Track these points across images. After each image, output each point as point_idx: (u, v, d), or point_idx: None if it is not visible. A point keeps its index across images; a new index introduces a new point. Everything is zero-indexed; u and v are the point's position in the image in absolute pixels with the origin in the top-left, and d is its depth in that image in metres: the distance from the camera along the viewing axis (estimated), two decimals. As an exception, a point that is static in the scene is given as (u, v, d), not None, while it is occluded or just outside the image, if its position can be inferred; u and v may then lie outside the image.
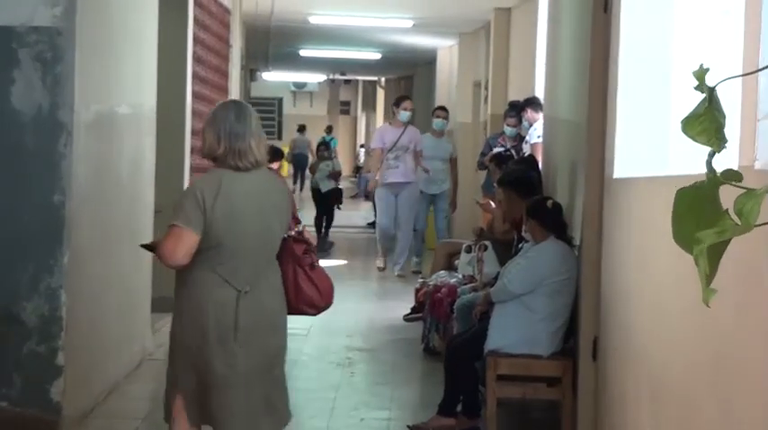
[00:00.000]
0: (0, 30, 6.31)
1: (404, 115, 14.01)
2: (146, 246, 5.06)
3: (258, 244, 4.76)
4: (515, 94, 13.20)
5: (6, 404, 6.34)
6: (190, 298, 4.71)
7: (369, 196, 16.94)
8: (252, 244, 4.73)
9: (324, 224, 18.71)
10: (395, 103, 14.54)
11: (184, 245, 4.63)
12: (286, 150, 27.82)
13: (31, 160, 6.36)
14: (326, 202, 18.76)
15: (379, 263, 15.05)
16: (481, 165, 12.06)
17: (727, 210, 1.62)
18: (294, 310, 4.98)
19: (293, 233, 4.98)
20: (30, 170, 6.35)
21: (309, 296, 4.98)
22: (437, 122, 14.45)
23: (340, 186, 19.66)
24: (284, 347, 5.00)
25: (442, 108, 15.04)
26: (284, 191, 5.05)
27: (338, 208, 19.19)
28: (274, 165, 18.21)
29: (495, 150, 11.25)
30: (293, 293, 4.94)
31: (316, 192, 19.06)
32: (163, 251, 4.67)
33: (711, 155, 1.65)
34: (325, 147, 20.58)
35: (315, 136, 37.11)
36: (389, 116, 30.67)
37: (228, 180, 4.70)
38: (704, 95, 1.63)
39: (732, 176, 1.64)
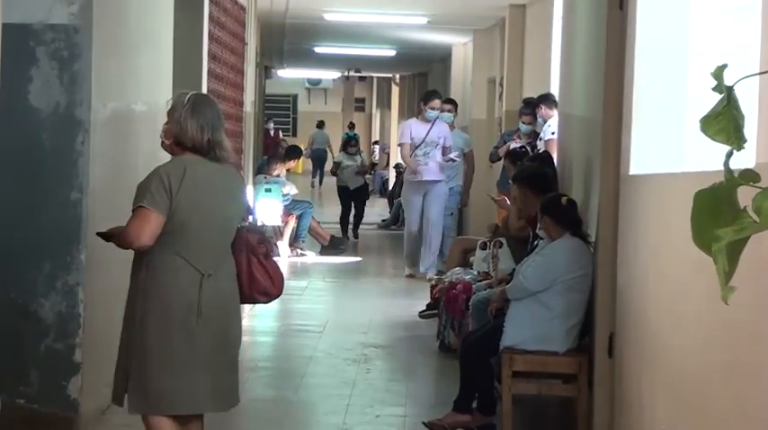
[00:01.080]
0: (17, 27, 6.33)
1: (431, 114, 13.35)
2: (102, 235, 5.10)
3: (217, 231, 4.91)
4: (530, 91, 13.18)
5: (24, 401, 6.36)
6: (154, 281, 4.82)
7: (391, 197, 16.34)
8: (212, 230, 4.88)
9: (352, 222, 18.48)
10: (422, 98, 13.93)
11: (150, 226, 4.75)
12: (303, 147, 27.83)
13: (49, 158, 6.38)
14: (356, 200, 18.48)
15: (408, 270, 13.96)
16: (494, 156, 12.07)
17: (745, 207, 1.62)
18: (247, 299, 5.12)
19: (247, 223, 5.14)
20: (47, 168, 6.37)
21: (263, 285, 5.09)
22: (444, 116, 13.70)
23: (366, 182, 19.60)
24: (240, 333, 5.16)
25: (450, 101, 14.55)
26: (241, 182, 5.20)
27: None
28: (291, 164, 18.22)
29: (511, 146, 11.24)
30: (247, 282, 5.05)
31: (343, 189, 18.74)
32: (128, 232, 4.78)
33: (729, 155, 1.64)
34: (354, 142, 20.40)
35: (330, 133, 37.21)
36: (403, 113, 30.75)
37: (192, 167, 4.84)
38: (722, 94, 1.62)
39: (750, 177, 1.64)
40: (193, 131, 4.86)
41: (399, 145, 13.96)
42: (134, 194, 4.86)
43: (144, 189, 4.80)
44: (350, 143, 19.99)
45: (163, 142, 5.00)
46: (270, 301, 5.35)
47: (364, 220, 18.99)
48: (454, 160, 13.55)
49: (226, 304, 4.95)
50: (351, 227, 18.48)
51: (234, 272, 5.00)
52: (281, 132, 32.72)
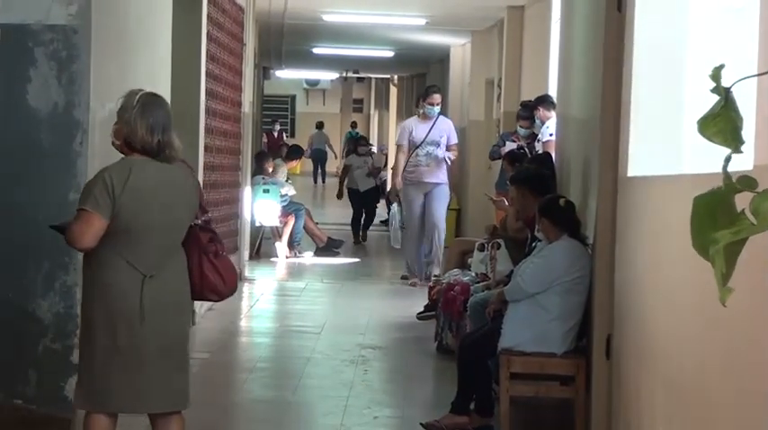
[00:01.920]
0: (16, 28, 6.33)
1: (431, 110, 12.78)
2: (55, 227, 5.12)
3: (165, 231, 4.93)
4: (528, 92, 13.19)
5: (21, 401, 6.36)
6: (97, 280, 4.87)
7: (389, 198, 15.49)
8: (159, 230, 4.90)
9: (362, 224, 18.24)
10: (421, 94, 13.26)
11: (92, 229, 4.79)
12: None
13: (47, 158, 6.38)
14: (366, 202, 18.10)
15: (413, 278, 13.20)
16: (495, 154, 12.06)
17: (743, 210, 1.63)
18: (199, 296, 5.16)
19: (199, 222, 5.11)
20: (45, 168, 6.37)
21: (214, 283, 5.11)
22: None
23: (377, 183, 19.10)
24: (187, 331, 5.17)
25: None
26: (192, 180, 5.19)
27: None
28: (293, 164, 18.14)
29: (509, 146, 11.25)
30: (198, 280, 5.08)
31: (353, 192, 18.40)
32: (71, 234, 4.84)
33: (727, 160, 1.65)
34: (365, 142, 19.92)
35: (328, 134, 37.29)
36: (401, 114, 30.73)
37: (138, 168, 4.86)
38: (720, 96, 1.63)
39: (747, 184, 1.65)
40: (143, 133, 4.87)
41: (397, 146, 13.35)
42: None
43: (88, 191, 4.85)
44: (359, 143, 19.56)
45: (113, 142, 5.01)
46: (221, 300, 5.37)
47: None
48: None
49: (172, 304, 4.97)
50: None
51: (184, 270, 5.03)
52: (284, 134, 32.36)
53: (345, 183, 18.80)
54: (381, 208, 20.37)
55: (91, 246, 4.83)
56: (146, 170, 4.88)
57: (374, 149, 33.80)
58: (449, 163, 12.94)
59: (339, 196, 19.16)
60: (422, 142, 12.68)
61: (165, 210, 4.92)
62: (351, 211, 18.95)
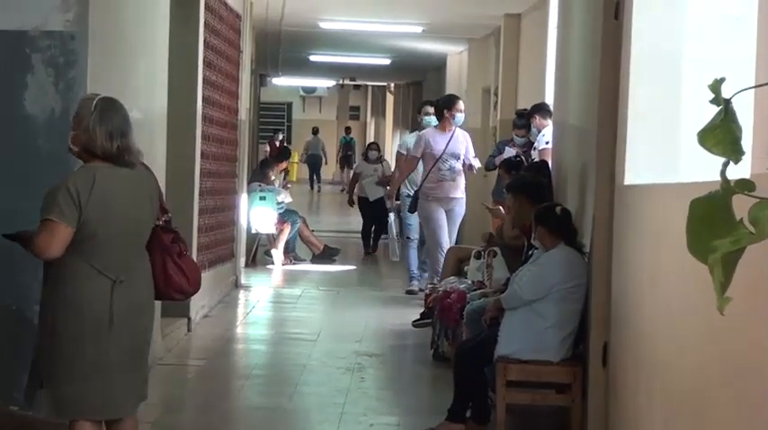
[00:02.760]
0: (13, 34, 6.34)
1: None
2: (9, 236, 5.08)
3: (131, 234, 4.94)
4: (525, 100, 13.21)
5: (17, 408, 6.35)
6: (64, 289, 4.84)
7: (394, 208, 14.05)
8: (124, 234, 4.90)
9: (372, 235, 17.64)
10: (444, 105, 12.25)
11: (59, 238, 4.76)
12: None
13: (44, 165, 6.38)
14: (377, 211, 16.76)
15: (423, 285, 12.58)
16: (491, 165, 12.07)
17: (741, 219, 1.63)
18: (163, 296, 5.16)
19: (161, 223, 5.12)
20: (42, 174, 6.36)
21: (178, 283, 5.13)
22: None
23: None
24: (151, 332, 5.19)
25: (431, 103, 13.27)
26: (153, 181, 5.17)
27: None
28: (282, 165, 18.04)
29: (507, 153, 11.27)
30: (162, 280, 5.09)
31: (363, 201, 17.51)
32: (37, 245, 4.80)
33: (725, 164, 1.66)
34: (375, 147, 18.68)
35: (324, 140, 37.35)
36: (398, 121, 30.77)
37: (102, 174, 4.83)
38: (720, 107, 1.64)
39: (745, 186, 1.65)
40: (102, 140, 4.83)
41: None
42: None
43: (52, 200, 4.78)
44: (370, 148, 18.65)
45: (71, 149, 4.97)
46: (186, 298, 5.44)
47: (358, 229, 18.69)
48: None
49: (139, 307, 4.99)
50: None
51: (149, 272, 5.04)
52: (285, 143, 32.26)
53: (355, 191, 17.98)
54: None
55: (57, 255, 4.79)
56: (109, 176, 4.85)
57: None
58: (474, 171, 12.27)
59: (350, 203, 18.30)
60: (441, 154, 11.89)
61: (131, 214, 4.92)
62: (348, 219, 18.82)
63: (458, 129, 12.03)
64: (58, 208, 4.74)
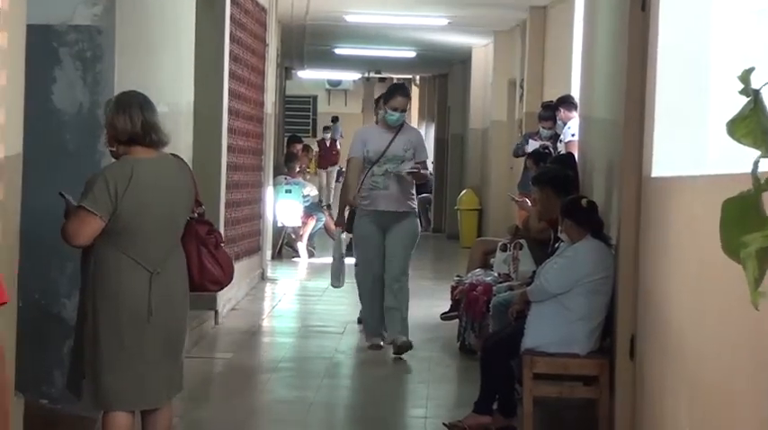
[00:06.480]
0: (41, 28, 6.35)
1: (392, 118, 9.24)
2: (63, 197, 5.12)
3: (166, 226, 5.01)
4: (551, 93, 13.18)
5: (47, 402, 6.39)
6: (106, 281, 4.91)
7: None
8: (160, 227, 4.98)
9: None
10: (383, 95, 9.73)
11: (88, 228, 4.86)
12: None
13: (72, 158, 6.41)
14: None
15: (371, 339, 9.42)
16: (519, 150, 12.10)
17: (773, 213, 1.63)
18: (198, 287, 5.22)
19: (196, 215, 5.19)
20: (70, 168, 6.40)
21: (213, 273, 5.20)
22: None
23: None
24: (186, 323, 5.26)
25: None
26: (189, 175, 5.23)
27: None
28: (298, 146, 17.98)
29: (531, 146, 11.28)
30: (197, 271, 5.16)
31: None
32: (67, 230, 4.90)
33: (756, 162, 1.65)
34: None
35: (350, 132, 37.36)
36: (423, 114, 30.68)
37: (139, 167, 4.92)
38: (749, 98, 1.63)
39: (777, 184, 1.64)
40: (124, 124, 4.94)
41: (349, 159, 9.57)
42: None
43: (88, 190, 4.88)
44: None
45: (111, 151, 5.10)
46: (221, 289, 5.50)
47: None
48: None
49: (174, 299, 5.05)
50: None
51: (183, 263, 5.10)
52: (337, 143, 29.03)
53: None
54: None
55: (84, 244, 4.89)
56: (146, 169, 4.94)
57: None
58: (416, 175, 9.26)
59: None
60: (379, 157, 9.19)
61: (167, 206, 5.00)
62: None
63: (406, 126, 9.51)
64: (93, 197, 4.84)
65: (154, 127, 4.97)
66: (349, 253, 9.93)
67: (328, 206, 17.46)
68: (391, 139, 9.20)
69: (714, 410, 4.01)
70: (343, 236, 9.94)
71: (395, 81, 12.78)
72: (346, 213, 9.83)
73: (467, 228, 19.05)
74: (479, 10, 15.67)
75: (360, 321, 9.99)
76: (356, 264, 9.50)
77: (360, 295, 9.49)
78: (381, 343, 9.32)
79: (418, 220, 9.65)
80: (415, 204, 9.45)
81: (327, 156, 26.89)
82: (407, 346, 9.05)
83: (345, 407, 7.69)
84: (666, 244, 5.16)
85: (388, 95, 9.41)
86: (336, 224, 10.15)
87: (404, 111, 9.33)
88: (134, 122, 4.93)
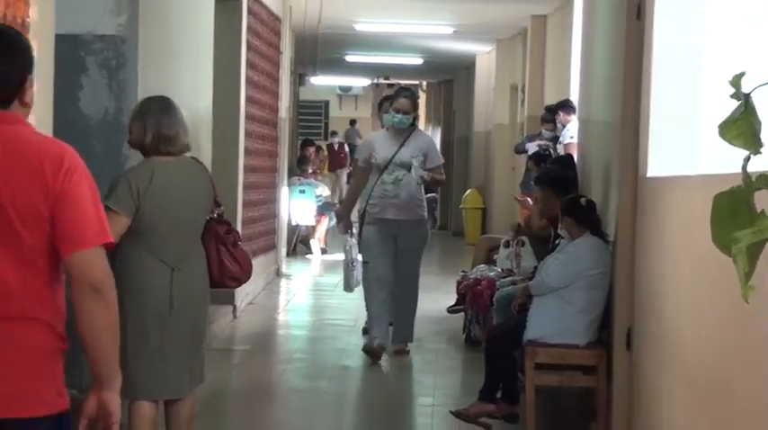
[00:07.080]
0: (68, 38, 6.37)
1: (395, 120, 8.73)
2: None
3: (185, 226, 5.05)
4: (551, 97, 13.18)
5: (75, 391, 6.39)
6: (131, 278, 4.92)
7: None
8: (179, 226, 5.02)
9: None
10: (386, 98, 9.54)
11: (112, 226, 4.80)
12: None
13: (98, 163, 6.39)
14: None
15: (373, 340, 8.71)
16: (521, 147, 12.19)
17: (762, 210, 1.64)
18: (218, 284, 5.26)
19: (215, 215, 5.23)
20: (96, 172, 6.33)
21: (232, 271, 5.24)
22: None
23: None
24: (207, 317, 5.32)
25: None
26: (207, 177, 5.27)
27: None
28: (311, 149, 17.99)
29: (530, 150, 11.31)
30: (217, 268, 5.19)
31: None
32: None
33: (746, 160, 1.66)
34: None
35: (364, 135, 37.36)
36: (430, 118, 30.69)
37: (160, 168, 4.98)
38: (740, 101, 1.64)
39: (766, 182, 1.65)
40: (137, 132, 5.03)
41: (356, 166, 9.37)
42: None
43: (111, 190, 4.92)
44: None
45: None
46: (239, 285, 5.54)
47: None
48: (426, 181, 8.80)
49: (195, 294, 5.08)
50: None
51: (203, 260, 5.14)
52: (345, 146, 28.21)
53: None
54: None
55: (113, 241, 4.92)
56: (167, 170, 4.99)
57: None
58: (426, 181, 8.79)
59: None
60: (387, 164, 8.67)
61: (187, 206, 5.04)
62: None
63: (417, 131, 9.02)
64: (116, 197, 4.88)
65: (166, 139, 5.01)
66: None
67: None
68: (399, 146, 8.66)
69: (709, 399, 4.02)
70: (353, 241, 9.17)
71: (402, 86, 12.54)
72: (354, 218, 9.40)
73: (471, 226, 19.05)
74: (483, 19, 15.67)
75: (365, 331, 9.30)
76: (363, 269, 8.99)
77: (365, 300, 9.05)
78: (380, 350, 8.65)
79: (428, 225, 9.27)
80: (424, 211, 8.89)
81: (336, 159, 26.89)
82: (403, 352, 8.90)
83: (357, 395, 7.70)
84: (661, 240, 5.16)
85: (393, 97, 8.97)
86: (338, 223, 9.56)
87: (407, 113, 8.70)
88: (145, 133, 4.99)
